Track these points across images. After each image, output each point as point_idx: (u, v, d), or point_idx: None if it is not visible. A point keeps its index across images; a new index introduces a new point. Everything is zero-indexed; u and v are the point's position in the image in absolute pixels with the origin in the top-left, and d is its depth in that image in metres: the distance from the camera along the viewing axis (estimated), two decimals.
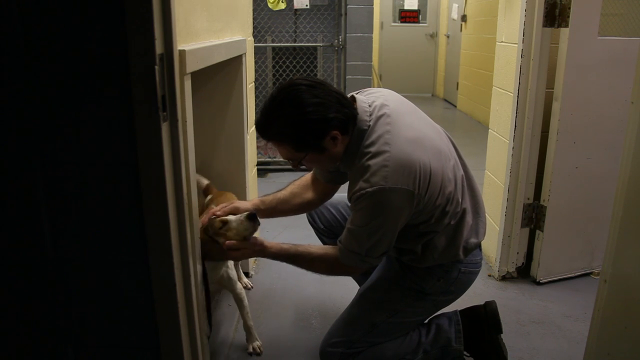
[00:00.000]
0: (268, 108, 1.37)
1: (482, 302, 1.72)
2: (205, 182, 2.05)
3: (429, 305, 1.60)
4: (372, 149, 1.36)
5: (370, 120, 1.40)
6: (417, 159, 1.34)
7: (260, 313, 2.09)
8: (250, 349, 1.84)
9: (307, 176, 1.78)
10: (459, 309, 1.71)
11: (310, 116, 1.32)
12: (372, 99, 1.46)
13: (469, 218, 1.51)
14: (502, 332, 1.66)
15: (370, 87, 4.55)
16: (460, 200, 1.47)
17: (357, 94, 1.50)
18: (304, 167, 1.49)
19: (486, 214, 1.62)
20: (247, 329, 1.85)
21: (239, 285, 1.82)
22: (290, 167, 4.11)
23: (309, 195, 1.73)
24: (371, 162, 1.34)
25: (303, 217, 1.88)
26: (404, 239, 1.48)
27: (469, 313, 1.69)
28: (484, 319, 1.66)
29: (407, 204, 1.35)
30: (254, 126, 2.52)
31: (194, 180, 1.30)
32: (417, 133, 1.40)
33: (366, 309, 1.59)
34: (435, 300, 1.59)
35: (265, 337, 1.92)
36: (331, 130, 1.35)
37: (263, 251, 1.52)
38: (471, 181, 1.56)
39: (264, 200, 1.73)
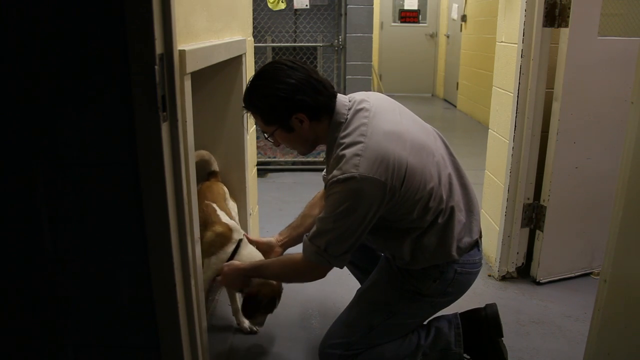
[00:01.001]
0: (251, 79, 1.47)
1: (482, 302, 1.71)
2: (213, 168, 2.07)
3: (427, 307, 1.59)
4: (347, 140, 1.39)
5: (347, 114, 1.45)
6: (392, 152, 1.36)
7: None
8: (248, 328, 1.95)
9: (316, 195, 1.82)
10: (460, 311, 1.70)
11: (279, 93, 1.39)
12: (354, 96, 1.51)
13: (460, 216, 1.50)
14: (502, 336, 1.65)
15: (370, 87, 4.55)
16: (445, 197, 1.45)
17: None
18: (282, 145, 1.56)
19: (485, 214, 1.62)
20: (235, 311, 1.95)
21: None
22: (290, 167, 4.13)
23: (317, 211, 1.73)
24: (345, 151, 1.37)
25: None
26: (388, 238, 1.48)
27: (470, 315, 1.68)
28: (485, 322, 1.64)
29: (378, 195, 1.34)
30: (254, 126, 2.52)
31: (194, 180, 1.30)
32: (395, 127, 1.42)
33: (364, 311, 1.59)
34: (433, 301, 1.57)
35: (266, 337, 1.93)
36: (297, 111, 1.41)
37: (237, 269, 1.64)
38: (463, 179, 1.55)
39: (284, 234, 1.83)
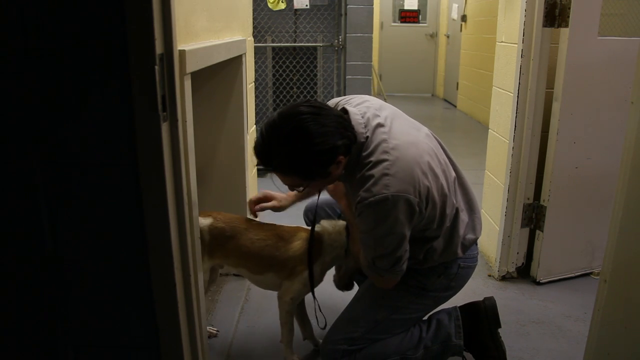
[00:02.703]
0: (272, 138, 1.32)
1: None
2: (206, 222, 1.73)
3: (430, 302, 1.63)
4: (372, 159, 1.37)
5: (366, 132, 1.40)
6: (416, 163, 1.37)
7: (261, 313, 2.09)
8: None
9: None
10: (458, 305, 1.73)
11: (319, 147, 1.29)
12: (362, 110, 1.46)
13: (463, 216, 1.55)
14: (500, 327, 1.70)
15: (370, 87, 4.54)
16: (454, 200, 1.50)
17: (344, 104, 1.50)
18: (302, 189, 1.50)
19: (485, 214, 1.63)
20: None
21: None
22: None
23: None
24: (372, 171, 1.35)
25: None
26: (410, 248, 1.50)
27: (469, 308, 1.71)
28: (484, 313, 1.69)
29: (412, 211, 1.37)
30: (254, 126, 2.52)
31: (194, 180, 1.30)
32: (412, 138, 1.44)
33: (368, 307, 1.61)
34: (436, 296, 1.62)
35: (266, 337, 1.93)
36: (338, 156, 1.35)
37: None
38: (462, 179, 1.59)
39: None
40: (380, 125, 1.41)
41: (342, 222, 1.69)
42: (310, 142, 1.28)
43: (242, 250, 1.68)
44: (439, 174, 1.43)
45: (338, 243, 1.65)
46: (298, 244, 1.66)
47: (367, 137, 1.40)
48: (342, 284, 1.74)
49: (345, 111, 1.43)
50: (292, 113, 1.31)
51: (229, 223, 1.71)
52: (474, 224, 1.58)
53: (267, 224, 1.75)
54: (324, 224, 1.68)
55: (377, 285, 1.56)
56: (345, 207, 1.59)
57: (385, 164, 1.35)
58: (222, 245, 1.69)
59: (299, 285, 1.65)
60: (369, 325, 1.58)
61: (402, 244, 1.41)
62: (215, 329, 1.95)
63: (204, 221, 1.69)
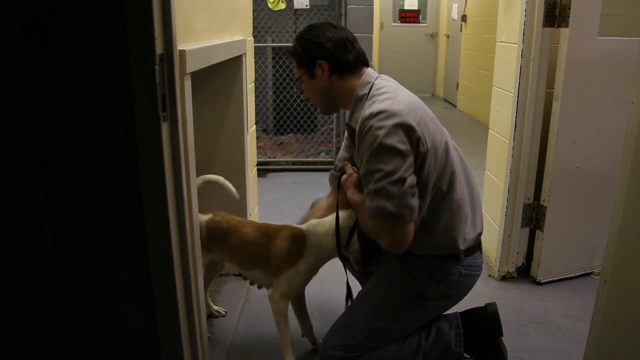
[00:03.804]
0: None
1: (482, 302, 1.71)
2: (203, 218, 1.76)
3: (430, 310, 1.59)
4: (380, 91, 1.46)
5: (377, 77, 1.54)
6: (419, 107, 1.45)
7: (260, 313, 2.09)
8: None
9: (320, 203, 1.83)
10: (459, 311, 1.69)
11: (311, 38, 1.52)
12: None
13: (467, 209, 1.51)
14: (502, 335, 1.65)
15: None
16: (456, 185, 1.48)
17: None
18: (310, 103, 1.66)
19: (485, 214, 1.62)
20: None
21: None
22: (290, 167, 4.13)
23: (319, 214, 1.75)
24: (377, 97, 1.44)
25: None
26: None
27: (470, 315, 1.68)
28: (485, 321, 1.65)
29: (409, 134, 1.35)
30: (254, 126, 2.52)
31: (194, 180, 1.30)
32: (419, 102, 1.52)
33: (366, 314, 1.58)
34: (437, 305, 1.57)
35: (265, 337, 1.93)
36: (320, 58, 1.50)
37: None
38: (469, 177, 1.56)
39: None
40: (391, 80, 1.55)
41: (331, 223, 1.62)
42: (311, 32, 1.54)
43: (233, 244, 1.73)
44: (437, 132, 1.48)
45: (325, 244, 1.62)
46: (280, 243, 1.67)
47: (377, 77, 1.53)
48: (360, 269, 1.66)
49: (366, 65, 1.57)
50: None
51: (226, 219, 1.77)
52: (475, 220, 1.54)
53: (261, 222, 1.78)
54: (313, 224, 1.67)
55: (386, 243, 1.42)
56: (352, 194, 1.53)
57: (390, 94, 1.44)
58: (217, 240, 1.74)
59: (284, 283, 1.66)
60: (366, 333, 1.56)
61: (404, 164, 1.34)
62: (223, 310, 2.03)
63: (203, 217, 1.75)
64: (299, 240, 1.65)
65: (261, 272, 1.71)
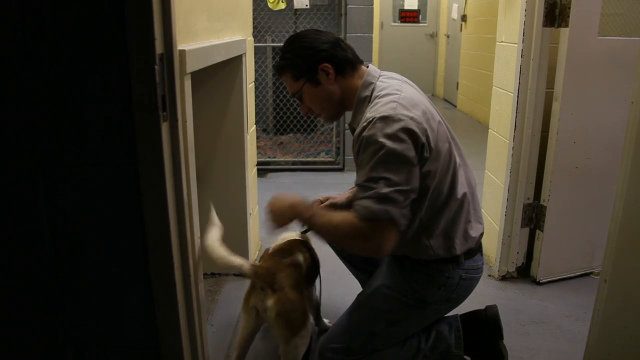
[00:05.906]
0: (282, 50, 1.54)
1: (482, 303, 1.70)
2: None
3: (430, 314, 1.58)
4: (382, 92, 1.42)
5: (380, 76, 1.50)
6: (424, 107, 1.41)
7: None
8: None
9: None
10: (460, 313, 1.68)
11: (303, 43, 1.47)
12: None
13: (467, 211, 1.48)
14: (502, 338, 1.64)
15: None
16: (457, 183, 1.45)
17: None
18: (313, 115, 1.58)
19: (485, 214, 1.61)
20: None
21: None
22: (290, 167, 4.13)
23: None
24: (380, 99, 1.40)
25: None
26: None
27: (470, 317, 1.66)
28: (485, 324, 1.63)
29: (414, 138, 1.33)
30: (254, 126, 2.52)
31: (194, 180, 1.30)
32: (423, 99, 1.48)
33: (365, 318, 1.57)
34: (436, 308, 1.56)
35: (265, 337, 1.92)
36: (322, 61, 1.45)
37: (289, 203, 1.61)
38: (470, 179, 1.54)
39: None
40: (395, 78, 1.51)
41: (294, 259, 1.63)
42: (299, 39, 1.49)
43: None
44: (441, 133, 1.45)
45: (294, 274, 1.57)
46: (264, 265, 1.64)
47: (379, 76, 1.49)
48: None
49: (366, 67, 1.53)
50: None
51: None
52: (475, 222, 1.52)
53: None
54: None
55: (371, 246, 1.36)
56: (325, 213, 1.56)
57: (394, 96, 1.39)
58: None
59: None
60: (366, 336, 1.54)
61: (411, 172, 1.32)
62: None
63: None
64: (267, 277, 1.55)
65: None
